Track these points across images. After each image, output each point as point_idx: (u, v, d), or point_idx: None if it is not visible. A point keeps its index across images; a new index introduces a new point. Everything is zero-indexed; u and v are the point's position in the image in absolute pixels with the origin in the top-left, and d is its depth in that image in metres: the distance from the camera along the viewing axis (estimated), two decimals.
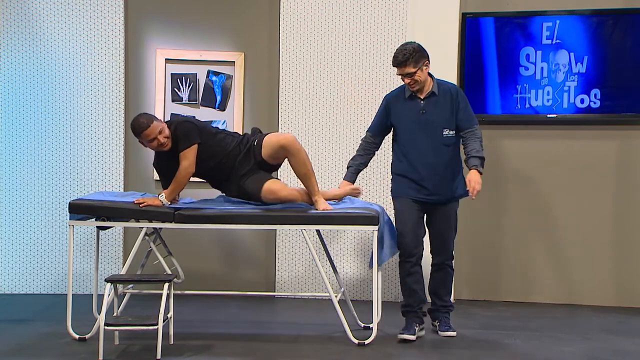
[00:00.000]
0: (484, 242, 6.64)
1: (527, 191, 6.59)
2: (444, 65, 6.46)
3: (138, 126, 5.10)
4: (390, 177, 5.30)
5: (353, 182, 5.32)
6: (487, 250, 6.65)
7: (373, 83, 6.51)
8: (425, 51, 5.08)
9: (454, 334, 5.21)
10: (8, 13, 6.57)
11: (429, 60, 5.07)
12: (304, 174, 5.12)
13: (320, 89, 6.58)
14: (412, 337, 5.02)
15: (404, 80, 5.07)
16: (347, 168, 5.35)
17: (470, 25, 6.51)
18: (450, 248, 5.22)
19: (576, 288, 6.51)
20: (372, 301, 5.10)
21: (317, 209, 5.09)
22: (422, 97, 5.08)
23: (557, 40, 6.41)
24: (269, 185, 5.12)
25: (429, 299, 5.35)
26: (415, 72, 4.99)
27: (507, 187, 6.62)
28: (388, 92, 6.52)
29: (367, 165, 5.39)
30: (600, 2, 6.40)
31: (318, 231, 5.55)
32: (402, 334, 5.03)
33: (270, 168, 5.28)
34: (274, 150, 5.13)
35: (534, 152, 6.58)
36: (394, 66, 5.07)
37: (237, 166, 5.18)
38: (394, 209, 5.20)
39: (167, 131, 5.10)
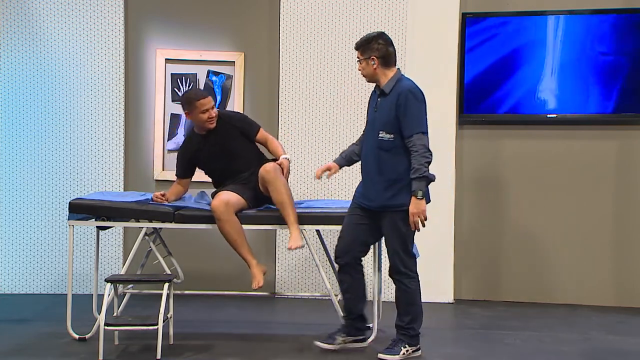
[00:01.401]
0: (484, 242, 6.64)
1: (527, 191, 6.59)
2: (444, 66, 6.47)
3: (195, 94, 5.30)
4: None
5: (341, 166, 5.01)
6: (487, 250, 6.65)
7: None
8: (381, 47, 4.68)
9: (390, 358, 4.65)
10: (8, 13, 6.57)
11: (380, 58, 4.67)
12: (280, 202, 4.99)
13: (320, 89, 6.58)
14: (326, 346, 4.79)
15: None
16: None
17: (470, 25, 6.51)
18: (393, 261, 4.71)
19: (576, 288, 6.51)
20: (372, 301, 5.10)
21: (289, 241, 4.98)
22: (379, 94, 4.76)
23: (557, 40, 6.41)
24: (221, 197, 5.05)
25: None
26: (360, 61, 4.73)
27: (507, 187, 6.62)
28: None
29: (359, 155, 4.93)
30: (600, 2, 6.41)
31: (318, 231, 5.55)
32: (320, 340, 4.83)
33: (263, 197, 5.21)
34: (259, 179, 5.12)
35: (534, 152, 6.58)
36: None
37: (240, 176, 5.25)
38: None
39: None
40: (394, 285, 6.44)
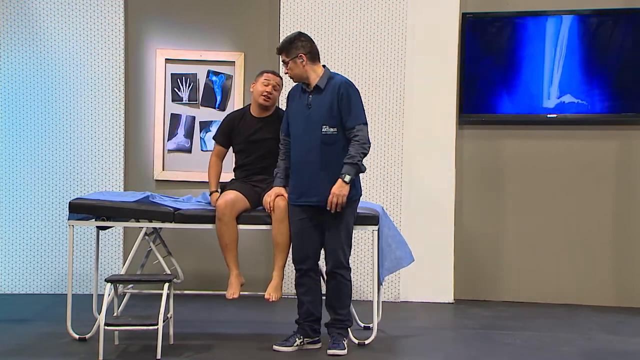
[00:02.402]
0: (484, 242, 6.64)
1: (527, 191, 6.59)
2: (444, 65, 6.47)
3: (269, 69, 5.29)
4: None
5: (286, 187, 4.91)
6: (487, 250, 6.65)
7: (373, 83, 6.51)
8: (305, 44, 4.72)
9: (341, 353, 4.66)
10: (8, 13, 6.58)
11: (307, 54, 4.69)
12: (277, 243, 4.97)
13: None
14: (284, 349, 4.78)
15: None
16: (275, 175, 4.94)
17: (470, 25, 6.51)
18: (337, 255, 4.72)
19: (576, 288, 6.51)
20: (372, 301, 5.10)
21: (268, 288, 5.01)
22: (310, 92, 4.73)
23: (557, 40, 6.41)
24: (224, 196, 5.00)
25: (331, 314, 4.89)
26: (288, 63, 4.73)
27: (507, 187, 6.62)
28: (387, 92, 6.57)
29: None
30: (600, 2, 6.41)
31: None
32: (277, 344, 4.83)
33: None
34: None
35: (534, 152, 6.58)
36: None
37: (257, 177, 5.18)
38: None
39: (278, 94, 5.22)
40: (394, 286, 6.47)
